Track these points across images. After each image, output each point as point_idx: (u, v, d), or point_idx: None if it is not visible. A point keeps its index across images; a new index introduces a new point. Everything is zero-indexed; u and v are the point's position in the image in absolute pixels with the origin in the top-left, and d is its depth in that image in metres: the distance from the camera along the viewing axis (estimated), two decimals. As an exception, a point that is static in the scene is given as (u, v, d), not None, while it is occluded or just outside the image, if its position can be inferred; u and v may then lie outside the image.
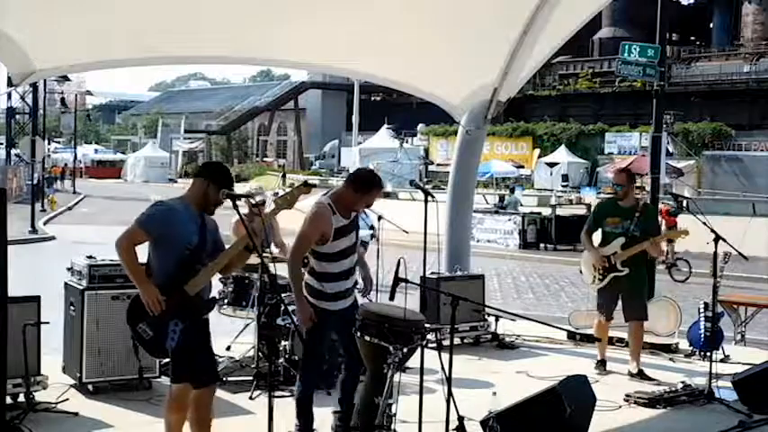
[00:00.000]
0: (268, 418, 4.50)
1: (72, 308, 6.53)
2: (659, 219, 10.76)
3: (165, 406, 4.85)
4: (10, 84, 11.22)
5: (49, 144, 45.52)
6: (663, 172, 12.92)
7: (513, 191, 29.14)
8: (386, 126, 50.92)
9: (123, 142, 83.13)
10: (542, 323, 5.90)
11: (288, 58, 8.02)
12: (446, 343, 5.28)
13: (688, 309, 9.51)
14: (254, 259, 6.82)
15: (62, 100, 43.32)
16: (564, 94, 55.26)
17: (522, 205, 26.08)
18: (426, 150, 51.44)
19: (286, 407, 5.71)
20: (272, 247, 7.57)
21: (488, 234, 23.27)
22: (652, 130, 11.32)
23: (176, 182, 58.87)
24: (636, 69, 10.94)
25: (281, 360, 6.88)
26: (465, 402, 5.23)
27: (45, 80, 32.04)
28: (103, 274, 6.43)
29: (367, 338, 5.09)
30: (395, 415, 5.14)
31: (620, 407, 6.57)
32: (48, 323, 6.11)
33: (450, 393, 4.76)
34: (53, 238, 22.56)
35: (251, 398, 6.44)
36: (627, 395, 6.74)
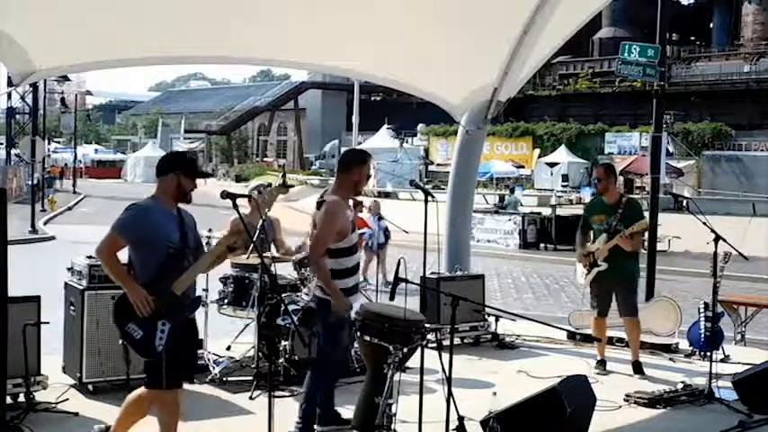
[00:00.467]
0: (268, 418, 4.50)
1: (72, 308, 6.53)
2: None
3: (164, 410, 4.66)
4: (10, 84, 11.19)
5: (49, 144, 45.50)
6: (663, 172, 12.90)
7: (513, 191, 29.15)
8: (386, 126, 50.92)
9: (123, 142, 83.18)
10: (542, 323, 5.89)
11: (288, 58, 8.02)
12: (446, 343, 5.27)
13: (688, 309, 9.51)
14: (254, 259, 6.88)
15: (62, 100, 43.26)
16: (564, 94, 55.29)
17: (522, 205, 26.08)
18: (426, 150, 51.44)
19: (286, 407, 5.72)
20: (272, 248, 7.57)
21: (488, 234, 23.27)
22: (652, 130, 11.32)
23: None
24: (636, 69, 10.93)
25: (281, 360, 6.88)
26: (465, 402, 5.24)
27: (45, 80, 32.02)
28: (104, 274, 6.39)
29: (367, 338, 5.09)
30: (395, 415, 5.14)
31: (620, 407, 6.57)
32: (48, 323, 6.10)
33: (450, 393, 4.76)
34: (53, 238, 22.58)
35: (251, 398, 6.43)
36: (627, 395, 6.74)
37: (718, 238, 6.85)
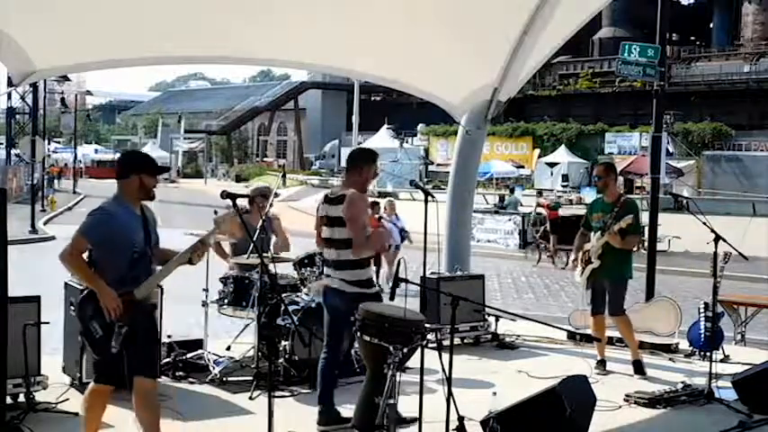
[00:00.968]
0: (268, 418, 4.50)
1: (72, 308, 6.52)
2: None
3: (152, 406, 4.77)
4: (10, 84, 11.19)
5: (48, 144, 45.51)
6: (663, 172, 12.87)
7: (513, 191, 29.13)
8: (386, 126, 50.94)
9: (123, 142, 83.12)
10: (542, 323, 5.89)
11: (288, 58, 8.01)
12: (446, 343, 5.28)
13: (688, 309, 9.50)
14: (254, 259, 6.88)
15: (62, 100, 43.25)
16: (564, 94, 55.29)
17: (522, 205, 26.08)
18: (426, 150, 51.47)
19: (286, 407, 5.72)
20: (272, 248, 7.56)
21: (488, 234, 23.28)
22: (652, 130, 11.31)
23: (175, 182, 58.78)
24: (636, 69, 10.92)
25: (281, 360, 6.88)
26: (465, 402, 5.23)
27: (45, 80, 32.01)
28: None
29: (367, 338, 5.09)
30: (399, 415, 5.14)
31: (620, 407, 6.56)
32: (48, 323, 6.11)
33: (450, 393, 4.76)
34: (53, 238, 22.58)
35: (251, 398, 6.43)
36: (627, 395, 6.74)
37: (718, 238, 6.85)
